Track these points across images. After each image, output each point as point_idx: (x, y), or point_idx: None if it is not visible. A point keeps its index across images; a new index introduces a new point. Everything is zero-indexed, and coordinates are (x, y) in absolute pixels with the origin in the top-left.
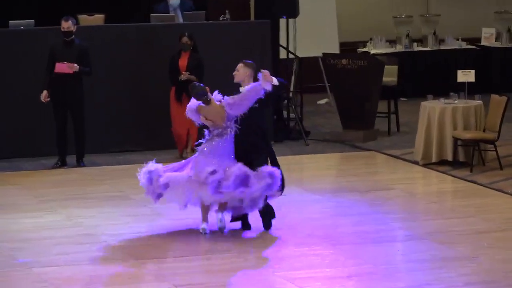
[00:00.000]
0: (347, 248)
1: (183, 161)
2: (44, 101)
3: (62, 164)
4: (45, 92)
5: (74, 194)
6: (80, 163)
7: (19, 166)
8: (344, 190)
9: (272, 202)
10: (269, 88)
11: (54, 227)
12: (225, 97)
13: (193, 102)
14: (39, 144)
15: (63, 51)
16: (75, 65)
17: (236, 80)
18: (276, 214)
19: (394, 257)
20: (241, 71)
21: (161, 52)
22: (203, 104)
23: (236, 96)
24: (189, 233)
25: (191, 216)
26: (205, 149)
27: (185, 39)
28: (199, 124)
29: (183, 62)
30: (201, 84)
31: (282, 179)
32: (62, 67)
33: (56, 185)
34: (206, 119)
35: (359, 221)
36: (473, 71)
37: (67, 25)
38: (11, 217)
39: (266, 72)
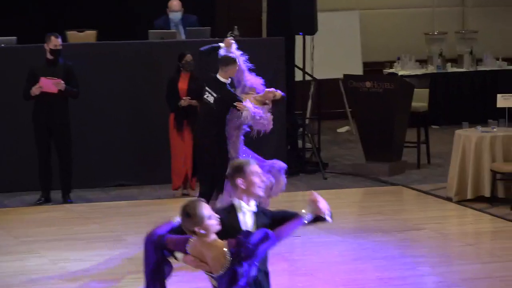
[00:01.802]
0: None
1: None
2: (35, 90)
3: (46, 200)
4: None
5: (60, 234)
6: (66, 199)
7: None
8: (368, 230)
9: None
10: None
11: (37, 271)
12: None
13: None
14: (19, 177)
15: (47, 71)
16: (62, 82)
17: None
18: (291, 258)
19: None
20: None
21: (160, 73)
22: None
23: None
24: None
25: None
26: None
27: (189, 57)
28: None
29: (183, 85)
30: None
31: None
32: (47, 84)
33: (39, 225)
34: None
35: (384, 265)
36: None
37: (58, 42)
38: None
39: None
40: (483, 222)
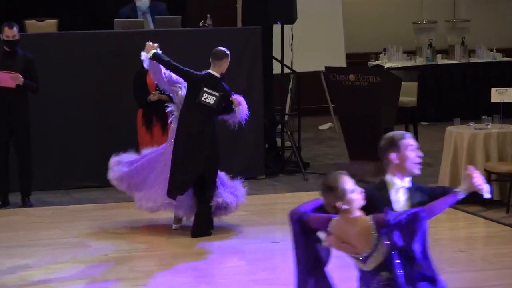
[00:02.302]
0: None
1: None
2: None
3: (4, 203)
4: None
5: (19, 240)
6: (26, 202)
7: None
8: None
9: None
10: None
11: None
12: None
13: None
14: None
15: (4, 63)
16: (20, 76)
17: None
18: (270, 266)
19: None
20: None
21: (126, 65)
22: None
23: None
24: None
25: (159, 268)
26: None
27: None
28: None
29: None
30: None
31: None
32: (4, 78)
33: None
34: None
35: None
36: (510, 89)
37: (12, 33)
38: None
39: None
40: (476, 226)
